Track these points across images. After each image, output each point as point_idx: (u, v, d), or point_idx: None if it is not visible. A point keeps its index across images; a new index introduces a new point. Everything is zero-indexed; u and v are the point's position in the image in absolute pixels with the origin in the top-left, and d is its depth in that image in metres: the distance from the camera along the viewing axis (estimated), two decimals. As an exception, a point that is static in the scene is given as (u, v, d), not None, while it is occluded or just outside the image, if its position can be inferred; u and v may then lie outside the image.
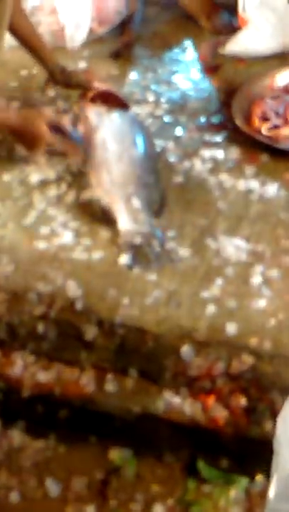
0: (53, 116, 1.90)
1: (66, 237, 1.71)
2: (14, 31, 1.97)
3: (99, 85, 2.02)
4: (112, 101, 2.00)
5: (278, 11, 2.26)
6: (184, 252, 1.64)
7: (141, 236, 1.65)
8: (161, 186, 1.81)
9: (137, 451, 1.48)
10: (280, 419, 1.04)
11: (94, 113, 1.94)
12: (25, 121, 1.82)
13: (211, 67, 2.27)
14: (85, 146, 1.86)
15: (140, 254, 1.62)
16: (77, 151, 1.85)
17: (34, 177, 1.84)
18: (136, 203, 1.71)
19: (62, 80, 2.06)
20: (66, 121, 1.90)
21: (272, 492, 1.05)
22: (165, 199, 1.78)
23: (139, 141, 1.89)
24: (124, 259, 1.62)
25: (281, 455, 1.02)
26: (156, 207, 1.74)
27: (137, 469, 1.48)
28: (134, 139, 1.89)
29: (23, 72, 2.26)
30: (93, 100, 1.99)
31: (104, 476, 1.48)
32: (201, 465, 1.46)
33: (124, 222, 1.68)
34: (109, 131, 1.89)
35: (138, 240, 1.64)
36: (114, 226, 1.68)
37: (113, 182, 1.75)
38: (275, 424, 1.42)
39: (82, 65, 2.30)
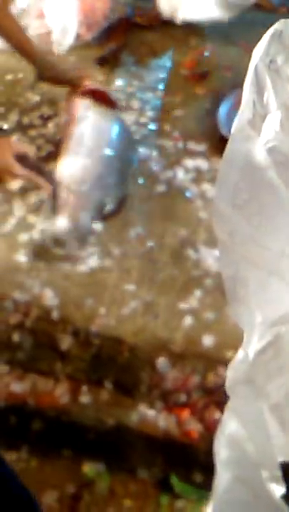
0: (20, 146, 1.74)
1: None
2: (0, 30, 1.93)
3: (90, 84, 1.99)
4: (102, 100, 1.97)
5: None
6: (93, 262, 1.64)
7: (65, 235, 1.66)
8: (125, 187, 1.81)
9: (111, 465, 1.46)
10: (216, 439, 1.02)
11: (81, 106, 1.92)
12: None
13: (198, 75, 2.25)
14: (62, 136, 1.85)
15: (47, 251, 1.64)
16: (46, 186, 1.72)
17: (14, 183, 1.82)
18: (84, 201, 1.71)
19: (52, 76, 2.00)
20: (32, 153, 1.76)
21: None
22: (124, 202, 1.78)
23: (115, 141, 1.88)
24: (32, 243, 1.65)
25: (219, 474, 1.00)
26: (110, 209, 1.74)
27: (109, 484, 1.45)
28: (110, 138, 1.88)
29: (9, 77, 2.24)
30: (83, 95, 1.97)
31: (76, 490, 1.46)
32: (175, 480, 1.44)
33: (63, 217, 1.68)
34: (89, 126, 1.87)
35: (52, 238, 1.66)
36: None
37: (73, 176, 1.74)
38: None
39: (68, 70, 2.28)
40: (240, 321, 0.95)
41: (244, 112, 0.92)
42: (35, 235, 1.70)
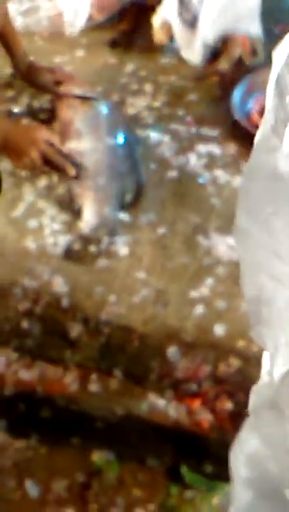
0: (47, 135, 1.69)
1: (55, 231, 1.67)
2: None
3: (64, 90, 1.94)
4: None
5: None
6: (124, 250, 1.62)
7: (95, 232, 1.64)
8: (139, 173, 1.78)
9: (120, 454, 1.44)
10: (233, 455, 0.99)
11: (67, 107, 1.89)
12: (21, 138, 1.66)
13: (211, 58, 2.21)
14: (61, 140, 1.79)
15: (79, 253, 1.62)
16: (70, 168, 1.69)
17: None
18: (104, 195, 1.68)
19: (27, 77, 1.98)
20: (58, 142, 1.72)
21: None
22: (142, 186, 1.76)
23: (115, 129, 1.86)
24: (63, 248, 1.62)
25: (239, 492, 0.97)
26: (131, 195, 1.72)
27: (119, 473, 1.44)
28: (109, 128, 1.86)
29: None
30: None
31: (85, 479, 1.44)
32: (185, 470, 1.42)
33: (88, 215, 1.65)
34: (83, 123, 1.85)
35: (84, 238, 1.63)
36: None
37: (85, 173, 1.71)
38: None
39: (79, 52, 2.25)
40: (264, 343, 0.90)
41: (268, 119, 0.85)
42: (45, 220, 1.68)
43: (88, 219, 1.64)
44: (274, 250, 0.82)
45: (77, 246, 1.61)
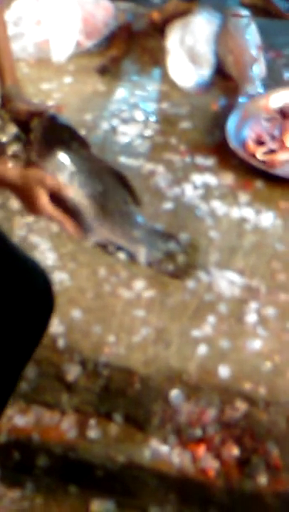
0: (55, 184, 1.46)
1: (48, 267, 1.60)
2: None
3: None
4: None
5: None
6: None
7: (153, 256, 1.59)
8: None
9: (120, 503, 1.37)
10: None
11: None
12: (25, 184, 1.42)
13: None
14: None
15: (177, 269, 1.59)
16: (76, 230, 1.46)
17: (16, 201, 1.73)
18: (139, 236, 1.58)
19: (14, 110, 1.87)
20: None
21: None
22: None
23: (106, 185, 1.56)
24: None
25: None
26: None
27: (119, 524, 1.38)
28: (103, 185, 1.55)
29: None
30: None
31: (84, 531, 1.38)
32: (189, 520, 1.36)
33: (143, 257, 1.59)
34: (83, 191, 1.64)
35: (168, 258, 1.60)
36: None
37: (115, 233, 1.59)
38: (269, 478, 1.34)
39: (67, 79, 2.20)
40: None
41: None
42: (38, 256, 1.62)
43: (138, 254, 1.58)
44: None
45: (170, 266, 1.58)
